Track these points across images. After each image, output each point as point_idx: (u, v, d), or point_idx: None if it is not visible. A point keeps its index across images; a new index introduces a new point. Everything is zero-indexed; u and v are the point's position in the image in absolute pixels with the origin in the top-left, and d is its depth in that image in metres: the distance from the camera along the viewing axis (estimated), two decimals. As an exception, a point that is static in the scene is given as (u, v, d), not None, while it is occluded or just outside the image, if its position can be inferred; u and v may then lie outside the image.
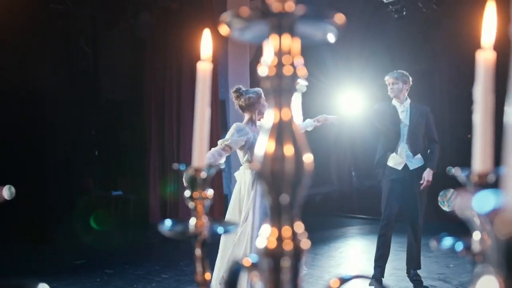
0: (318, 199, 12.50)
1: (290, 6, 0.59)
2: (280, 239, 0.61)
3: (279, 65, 0.61)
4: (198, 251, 0.86)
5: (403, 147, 5.05)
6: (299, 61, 0.62)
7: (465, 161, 0.83)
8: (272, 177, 0.60)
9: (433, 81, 10.64)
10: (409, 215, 5.11)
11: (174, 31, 9.20)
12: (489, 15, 0.76)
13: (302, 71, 0.62)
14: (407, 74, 5.13)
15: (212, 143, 8.67)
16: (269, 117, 0.62)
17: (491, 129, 0.76)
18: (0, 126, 7.15)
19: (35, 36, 7.50)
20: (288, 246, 0.60)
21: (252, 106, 4.16)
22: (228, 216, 4.15)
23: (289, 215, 0.61)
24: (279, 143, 0.60)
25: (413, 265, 5.15)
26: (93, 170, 11.68)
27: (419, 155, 5.06)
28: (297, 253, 0.61)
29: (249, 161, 4.11)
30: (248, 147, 4.08)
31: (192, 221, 0.87)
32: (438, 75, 11.01)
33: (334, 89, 9.98)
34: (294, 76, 0.61)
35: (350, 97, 8.29)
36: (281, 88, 0.61)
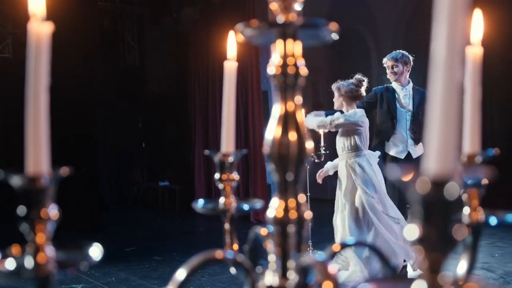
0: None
1: (292, 17, 0.72)
2: (286, 209, 0.74)
3: (284, 66, 0.74)
4: (226, 225, 1.01)
5: (406, 135, 4.68)
6: (301, 62, 0.75)
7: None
8: (280, 158, 0.73)
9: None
10: None
11: (217, 25, 9.37)
12: (476, 16, 0.87)
13: (303, 70, 0.74)
14: (408, 54, 4.75)
15: (255, 132, 8.84)
16: (276, 108, 0.75)
17: (479, 116, 0.86)
18: (52, 120, 7.49)
19: (84, 33, 7.82)
20: (293, 215, 0.74)
21: (354, 98, 4.40)
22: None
23: (294, 190, 0.74)
24: (285, 130, 0.73)
25: None
26: (141, 161, 12.09)
27: (421, 143, 4.65)
28: (300, 221, 0.74)
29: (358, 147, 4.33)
30: (360, 132, 4.33)
31: (221, 199, 1.01)
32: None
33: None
34: (297, 74, 0.74)
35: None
36: (286, 84, 0.74)
